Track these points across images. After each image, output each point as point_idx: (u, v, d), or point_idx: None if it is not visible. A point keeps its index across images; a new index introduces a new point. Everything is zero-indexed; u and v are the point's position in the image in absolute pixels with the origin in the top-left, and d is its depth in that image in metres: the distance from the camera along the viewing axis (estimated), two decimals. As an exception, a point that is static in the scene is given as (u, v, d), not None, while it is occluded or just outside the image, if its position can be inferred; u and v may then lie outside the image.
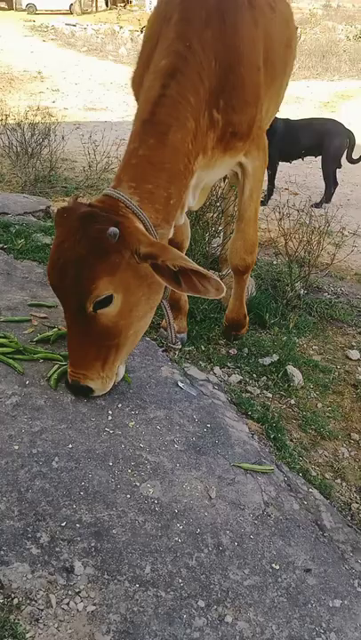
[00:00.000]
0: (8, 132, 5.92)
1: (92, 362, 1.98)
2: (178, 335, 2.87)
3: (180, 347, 2.50)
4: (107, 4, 36.95)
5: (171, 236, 2.23)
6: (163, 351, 2.54)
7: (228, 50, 2.10)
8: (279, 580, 1.68)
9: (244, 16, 2.20)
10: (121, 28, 24.64)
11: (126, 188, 1.96)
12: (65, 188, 5.83)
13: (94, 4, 36.66)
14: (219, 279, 1.85)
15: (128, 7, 34.30)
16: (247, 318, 3.04)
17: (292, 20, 3.00)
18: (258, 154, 2.50)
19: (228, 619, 1.53)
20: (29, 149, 5.98)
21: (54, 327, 2.45)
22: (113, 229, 1.78)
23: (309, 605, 1.63)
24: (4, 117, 6.09)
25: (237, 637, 1.49)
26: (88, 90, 12.35)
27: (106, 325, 1.89)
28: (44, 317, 2.56)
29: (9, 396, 2.03)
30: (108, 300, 1.85)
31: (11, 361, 2.18)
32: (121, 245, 1.81)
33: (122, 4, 35.36)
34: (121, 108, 10.61)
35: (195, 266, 1.84)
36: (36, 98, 10.59)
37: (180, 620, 1.49)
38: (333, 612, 1.63)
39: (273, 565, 1.72)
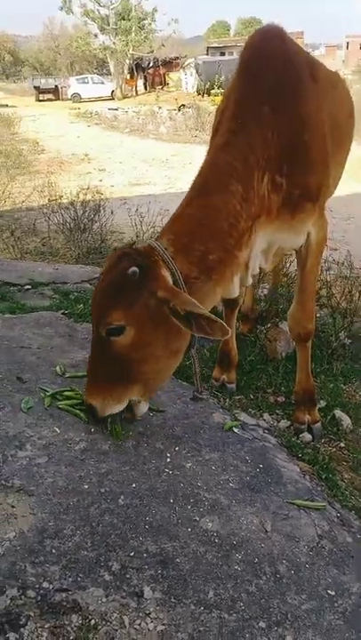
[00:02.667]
0: (62, 211, 6.44)
1: (100, 383, 2.19)
2: (229, 385, 3.06)
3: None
4: (145, 88, 39.57)
5: (236, 294, 2.44)
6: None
7: (290, 121, 2.31)
8: (335, 604, 1.78)
9: (306, 90, 2.42)
10: (160, 108, 26.24)
11: (165, 240, 2.18)
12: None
13: (134, 89, 39.32)
14: (224, 323, 2.02)
15: (166, 88, 36.56)
16: (315, 391, 2.97)
17: (349, 92, 3.33)
18: (322, 223, 2.62)
19: (289, 638, 1.63)
20: (81, 225, 6.47)
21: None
22: (133, 269, 2.01)
23: (366, 629, 1.71)
24: (58, 198, 6.63)
25: (298, 656, 1.58)
26: (132, 167, 13.18)
27: (117, 353, 2.09)
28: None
29: (77, 442, 2.24)
30: (120, 330, 2.06)
31: (77, 411, 2.41)
32: (140, 285, 2.03)
33: (160, 87, 37.76)
34: (163, 181, 11.27)
35: (202, 311, 2.02)
36: (85, 178, 11.38)
37: (244, 639, 1.61)
38: (390, 635, 1.70)
39: (329, 591, 1.82)
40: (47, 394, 2.49)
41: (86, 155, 15.03)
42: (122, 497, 2.02)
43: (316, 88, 2.48)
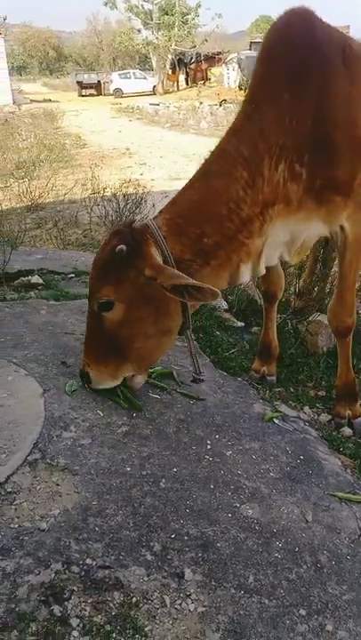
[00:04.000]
0: (105, 203, 6.51)
1: (95, 355, 2.30)
2: (269, 377, 3.04)
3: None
4: (187, 83, 39.54)
5: (245, 281, 2.46)
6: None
7: (313, 109, 2.23)
8: (377, 597, 1.76)
9: (333, 77, 2.30)
10: (201, 103, 26.16)
11: (161, 219, 2.21)
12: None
13: (175, 84, 39.34)
14: (211, 286, 2.02)
15: (207, 84, 36.43)
16: (357, 386, 2.89)
17: None
18: (359, 218, 2.50)
19: (329, 627, 1.63)
20: (123, 217, 6.52)
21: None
22: (121, 246, 2.08)
23: None
24: (101, 190, 6.70)
25: (338, 645, 1.58)
26: (172, 162, 13.20)
27: (108, 328, 2.20)
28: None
29: (120, 425, 2.28)
30: (108, 305, 2.16)
31: (116, 398, 2.42)
32: (129, 262, 2.10)
33: (201, 82, 37.64)
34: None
35: (185, 280, 2.03)
36: (126, 172, 11.47)
37: (284, 625, 1.61)
38: None
39: (370, 584, 1.80)
40: None
41: (127, 149, 15.14)
42: (163, 480, 2.04)
43: (348, 74, 2.34)
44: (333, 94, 2.28)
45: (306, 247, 2.69)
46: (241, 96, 26.86)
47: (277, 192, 2.25)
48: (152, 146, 16.03)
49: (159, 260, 2.11)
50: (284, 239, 2.41)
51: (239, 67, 32.64)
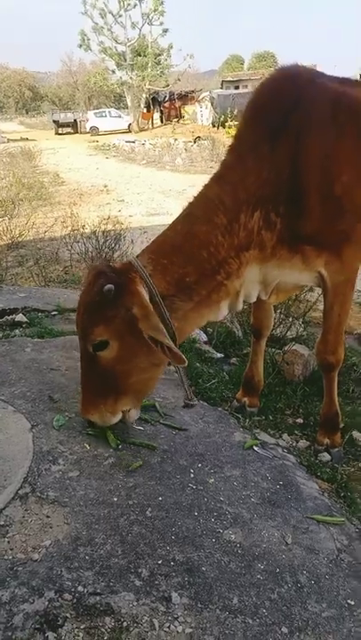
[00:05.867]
0: (84, 240, 6.67)
1: (93, 397, 2.37)
2: (249, 408, 3.16)
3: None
4: (161, 121, 40.43)
5: (221, 317, 2.53)
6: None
7: (290, 164, 2.34)
8: (355, 613, 1.86)
9: (314, 134, 2.38)
10: (175, 140, 26.81)
11: (145, 259, 2.32)
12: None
13: (150, 122, 40.24)
14: (181, 354, 2.18)
15: (181, 121, 37.31)
16: (339, 416, 2.97)
17: None
18: (340, 267, 2.55)
19: (310, 644, 1.72)
20: (103, 253, 6.68)
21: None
22: (109, 286, 2.15)
23: (384, 636, 1.78)
24: (80, 228, 6.86)
25: (319, 660, 1.67)
26: (149, 198, 13.50)
27: (104, 366, 2.27)
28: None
29: (106, 457, 2.37)
30: (103, 345, 2.23)
31: (105, 434, 2.50)
32: (117, 301, 2.18)
33: (175, 120, 38.57)
34: (180, 211, 11.54)
35: (162, 339, 2.16)
36: (104, 208, 11.67)
37: (267, 642, 1.70)
38: None
39: (348, 601, 1.90)
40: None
41: (105, 186, 15.44)
42: (149, 509, 2.13)
43: (335, 129, 2.43)
44: (310, 152, 2.37)
45: (285, 290, 2.82)
46: (214, 133, 27.53)
47: (251, 238, 2.38)
48: (129, 182, 16.38)
49: (146, 296, 2.22)
50: (259, 280, 2.54)
51: (212, 105, 33.62)
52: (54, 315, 4.09)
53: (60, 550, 1.89)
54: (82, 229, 7.00)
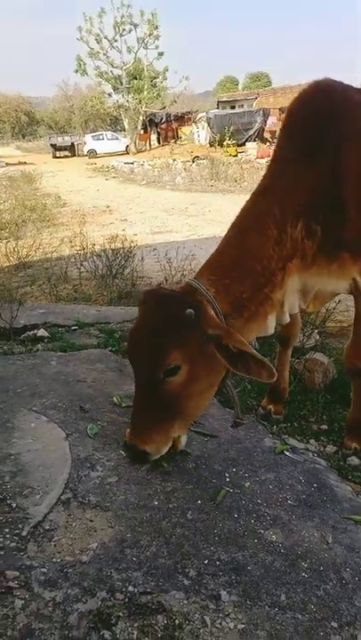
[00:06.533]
0: (94, 258, 6.75)
1: (151, 427, 2.26)
2: (275, 415, 3.20)
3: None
4: (159, 142, 40.96)
5: (270, 332, 2.54)
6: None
7: (326, 175, 2.42)
8: None
9: (348, 147, 2.45)
10: (174, 160, 27.14)
11: (206, 280, 2.32)
12: (146, 301, 6.48)
13: (147, 144, 40.76)
14: (273, 367, 2.16)
15: (179, 142, 37.81)
16: None
17: None
18: None
19: (360, 637, 1.74)
20: (113, 271, 6.76)
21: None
22: (190, 311, 2.13)
23: None
24: (91, 246, 6.95)
25: (371, 652, 1.69)
26: (152, 216, 13.61)
27: (170, 392, 2.18)
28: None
29: (142, 463, 2.40)
30: (176, 370, 2.15)
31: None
32: (194, 324, 2.15)
33: (173, 140, 39.10)
34: (184, 229, 11.66)
35: (253, 351, 2.15)
36: (108, 228, 11.79)
37: (318, 636, 1.72)
38: None
39: (393, 596, 1.92)
40: None
41: (107, 206, 15.57)
42: (190, 512, 2.16)
43: None
44: (347, 163, 2.45)
45: (322, 298, 2.86)
46: (213, 152, 27.82)
47: (296, 248, 2.42)
48: (131, 202, 16.52)
49: (217, 319, 2.23)
50: (298, 288, 2.57)
51: (209, 125, 34.14)
52: (75, 329, 4.15)
53: (107, 552, 1.92)
54: (92, 247, 7.07)
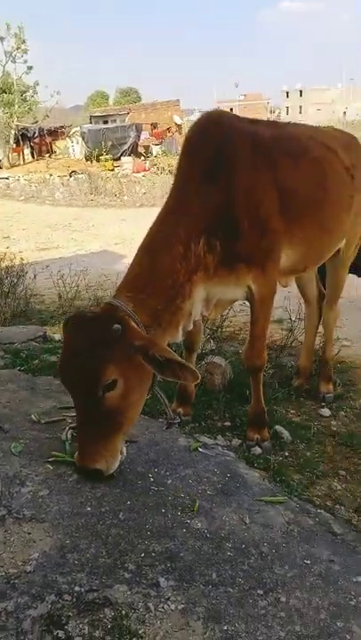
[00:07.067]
0: (-18, 277, 6.63)
1: (98, 444, 2.37)
2: (184, 417, 3.45)
3: (178, 421, 3.09)
4: (33, 156, 40.14)
5: (180, 338, 2.81)
6: (166, 428, 2.97)
7: (222, 195, 2.75)
8: (312, 569, 2.18)
9: (239, 168, 2.81)
10: (51, 175, 26.78)
11: (124, 297, 2.53)
12: (42, 318, 6.48)
13: (21, 157, 39.79)
14: (195, 369, 2.43)
15: (53, 156, 37.33)
16: (265, 413, 3.38)
17: (336, 168, 3.46)
18: (265, 281, 2.98)
19: (283, 599, 2.00)
20: (4, 290, 6.68)
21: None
22: (117, 326, 2.30)
23: (339, 583, 2.12)
24: (-22, 266, 6.81)
25: (292, 609, 1.96)
26: (36, 233, 13.48)
27: (111, 406, 2.30)
28: (75, 415, 3.08)
29: (70, 474, 2.52)
30: (113, 385, 2.28)
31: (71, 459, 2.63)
32: (122, 339, 2.31)
33: (47, 155, 38.50)
34: (70, 244, 11.68)
35: (177, 358, 2.40)
36: (-10, 246, 11.50)
37: (248, 603, 1.96)
38: (358, 584, 2.12)
39: (305, 561, 2.22)
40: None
41: (-14, 224, 15.17)
42: (121, 513, 2.32)
43: (255, 162, 2.89)
44: (237, 184, 2.80)
45: (221, 305, 3.17)
46: (90, 167, 27.78)
47: (200, 262, 2.71)
48: (11, 219, 16.19)
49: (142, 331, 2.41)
50: (203, 298, 2.86)
51: (83, 139, 34.11)
52: (-23, 351, 4.13)
53: (49, 559, 2.03)
54: (-20, 268, 6.93)
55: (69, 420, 3.03)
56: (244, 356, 3.25)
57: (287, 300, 5.11)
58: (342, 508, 2.87)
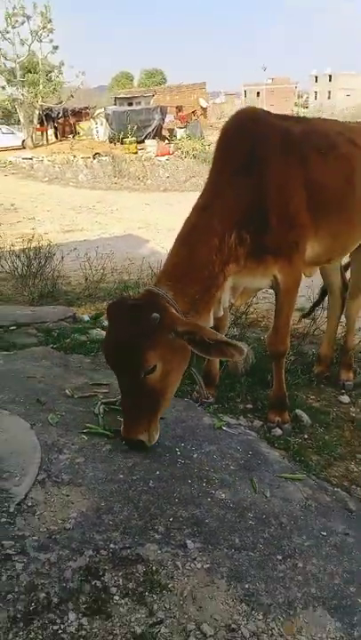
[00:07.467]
0: (13, 257, 6.83)
1: (141, 419, 2.62)
2: (209, 398, 3.62)
3: (212, 400, 3.30)
4: (56, 137, 40.28)
5: (211, 324, 2.96)
6: (198, 406, 3.23)
7: (253, 190, 2.90)
8: (328, 540, 2.35)
9: (270, 164, 2.94)
10: (74, 157, 26.92)
11: (164, 286, 2.72)
12: (68, 299, 6.67)
13: (45, 138, 39.95)
14: (243, 345, 2.58)
15: (77, 138, 37.42)
16: (287, 397, 3.51)
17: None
18: (290, 271, 3.13)
19: (300, 564, 2.18)
20: (33, 270, 6.87)
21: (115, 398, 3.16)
22: (155, 315, 2.48)
23: (352, 553, 2.29)
24: (9, 246, 7.00)
25: (309, 574, 2.13)
26: (60, 215, 13.67)
27: (151, 388, 2.54)
28: (106, 392, 3.27)
29: (103, 445, 2.72)
30: (153, 369, 2.51)
31: (103, 431, 2.84)
32: (161, 326, 2.50)
33: (70, 135, 38.61)
34: (94, 227, 11.86)
35: (224, 338, 2.60)
36: (16, 227, 11.73)
37: (268, 567, 2.14)
38: (370, 556, 2.29)
39: (322, 533, 2.39)
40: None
41: (12, 205, 15.36)
42: (151, 481, 2.50)
43: (286, 158, 3.04)
44: (268, 180, 2.94)
45: (247, 293, 3.33)
46: (114, 149, 27.73)
47: (231, 254, 2.87)
48: (36, 200, 16.39)
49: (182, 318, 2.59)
50: (232, 287, 3.04)
51: (107, 121, 34.13)
52: (13, 329, 4.32)
53: (86, 519, 2.22)
54: (9, 247, 7.13)
55: (101, 396, 3.22)
56: (267, 342, 3.40)
57: (310, 289, 5.22)
58: (358, 488, 3.01)
